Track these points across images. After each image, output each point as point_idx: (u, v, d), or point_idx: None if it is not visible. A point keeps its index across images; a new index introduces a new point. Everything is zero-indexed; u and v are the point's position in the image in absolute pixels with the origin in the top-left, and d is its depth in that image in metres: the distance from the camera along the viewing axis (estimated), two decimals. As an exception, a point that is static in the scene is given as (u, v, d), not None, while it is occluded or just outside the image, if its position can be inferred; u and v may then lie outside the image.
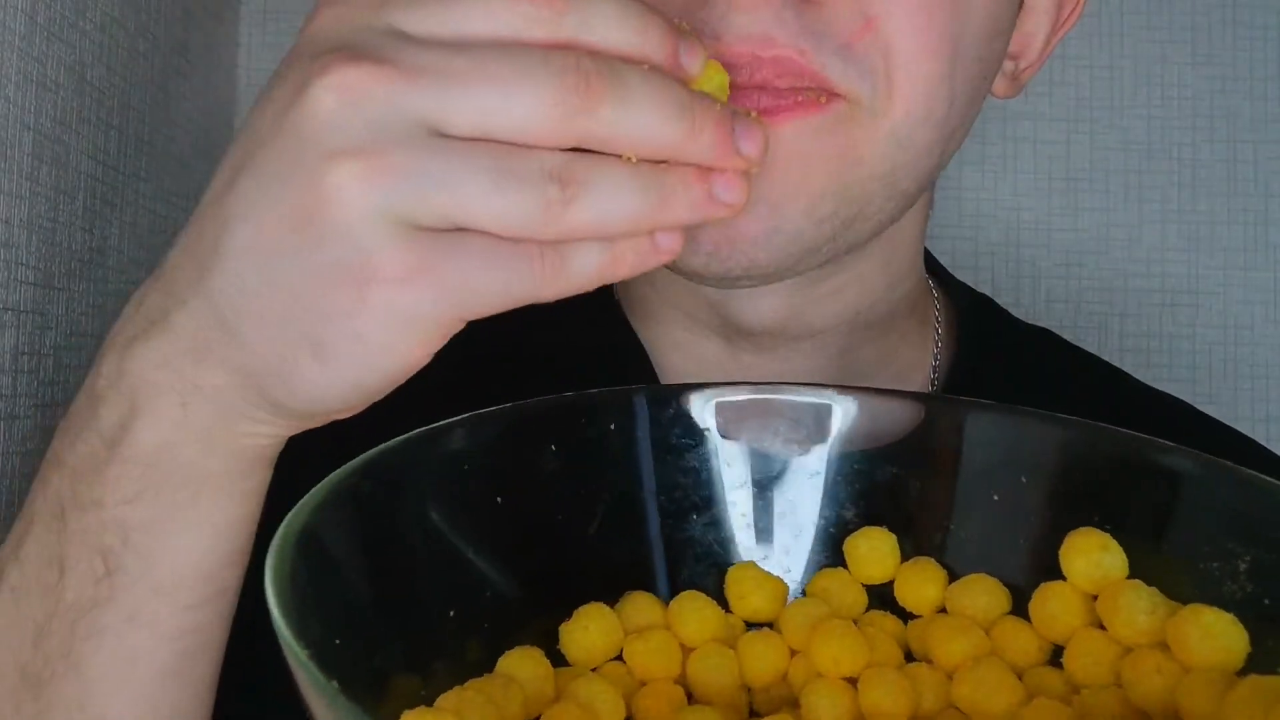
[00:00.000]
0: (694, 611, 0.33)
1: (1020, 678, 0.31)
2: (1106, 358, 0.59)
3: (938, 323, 0.54)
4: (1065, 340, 0.59)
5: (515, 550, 0.33)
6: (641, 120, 0.28)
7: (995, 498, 0.34)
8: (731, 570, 0.35)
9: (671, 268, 0.41)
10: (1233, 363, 0.85)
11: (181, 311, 0.31)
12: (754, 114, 0.31)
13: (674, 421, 0.36)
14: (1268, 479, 0.29)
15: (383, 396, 0.30)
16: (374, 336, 0.28)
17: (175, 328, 0.31)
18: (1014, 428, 0.35)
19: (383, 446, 0.30)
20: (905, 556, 0.34)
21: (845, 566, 0.35)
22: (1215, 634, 0.27)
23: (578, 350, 0.50)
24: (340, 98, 0.27)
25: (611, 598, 0.33)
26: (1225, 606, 0.28)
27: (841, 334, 0.49)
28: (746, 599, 0.34)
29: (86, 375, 0.34)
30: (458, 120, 0.27)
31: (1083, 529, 0.31)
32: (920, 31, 0.39)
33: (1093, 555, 0.31)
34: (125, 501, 0.32)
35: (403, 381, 0.29)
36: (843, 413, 0.37)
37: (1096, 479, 0.33)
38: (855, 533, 0.35)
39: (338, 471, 0.28)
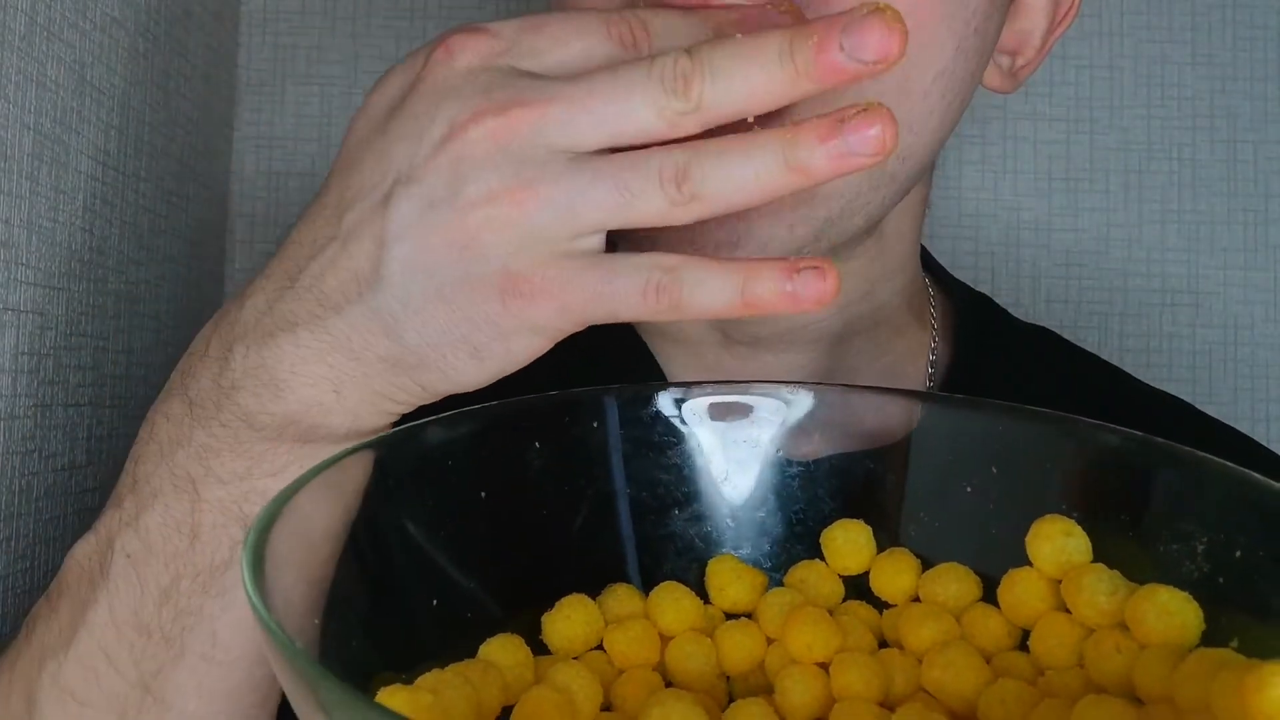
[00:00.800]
0: (672, 602, 0.34)
1: (989, 661, 0.31)
2: (1106, 358, 0.59)
3: (934, 321, 0.54)
4: (1064, 339, 0.59)
5: (498, 547, 0.34)
6: (740, 86, 0.31)
7: (968, 489, 0.35)
8: (711, 563, 0.35)
9: None
10: (1233, 363, 0.85)
11: (338, 317, 0.34)
12: (877, 5, 0.30)
13: (654, 419, 0.37)
14: (1223, 462, 0.30)
15: None
16: (516, 339, 0.33)
17: (332, 330, 0.35)
18: (982, 420, 0.36)
19: (364, 442, 0.31)
20: (881, 548, 0.35)
21: (823, 558, 0.36)
22: (1171, 611, 0.29)
23: (579, 349, 0.50)
24: (493, 143, 0.32)
25: (594, 593, 0.34)
26: (1183, 586, 0.30)
27: (836, 331, 0.49)
28: (725, 590, 0.35)
29: (195, 362, 0.38)
30: (586, 140, 0.32)
31: (1048, 516, 0.32)
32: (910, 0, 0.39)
33: (1057, 540, 0.32)
34: (271, 474, 0.36)
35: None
36: (818, 410, 0.37)
37: (1063, 468, 0.34)
38: (831, 525, 0.36)
39: (317, 465, 0.29)
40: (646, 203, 0.31)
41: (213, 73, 0.78)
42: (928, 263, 0.56)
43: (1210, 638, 0.29)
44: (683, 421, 0.37)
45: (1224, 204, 0.85)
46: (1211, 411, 0.56)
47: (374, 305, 0.34)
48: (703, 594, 0.35)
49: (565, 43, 0.33)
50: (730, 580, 0.35)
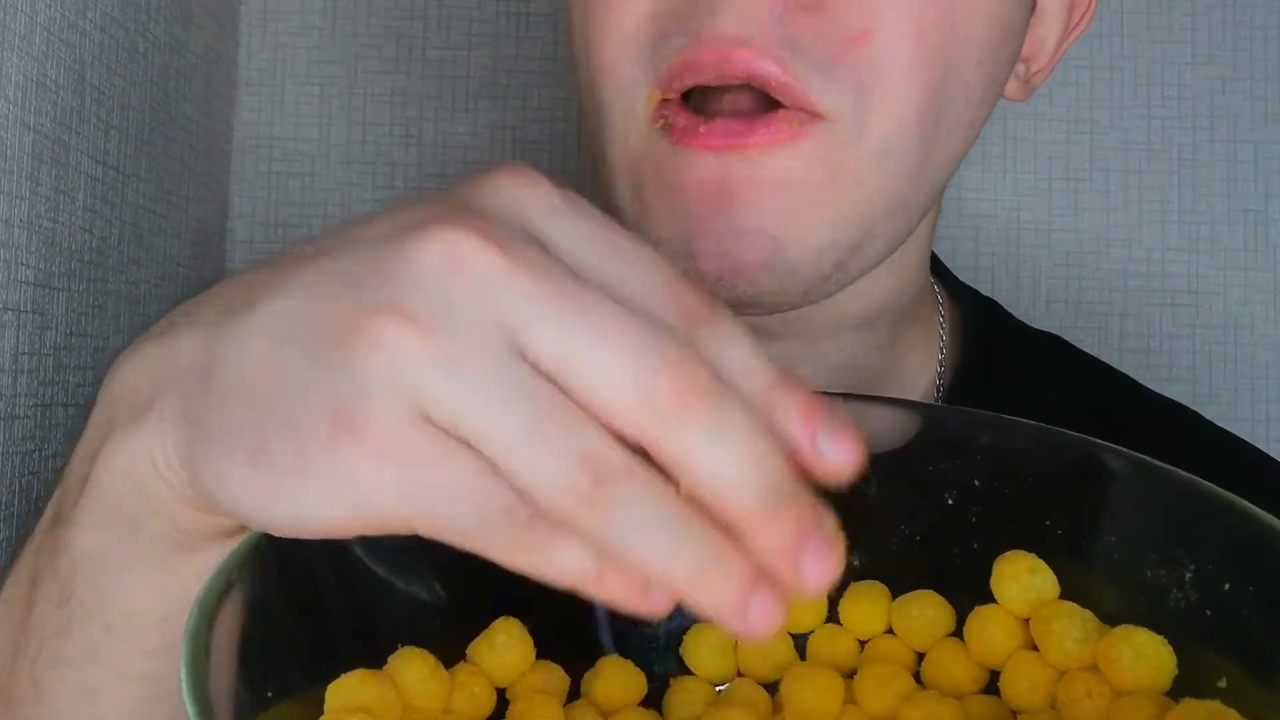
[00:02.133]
0: (614, 682, 0.33)
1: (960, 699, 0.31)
2: (1106, 358, 0.59)
3: (942, 327, 0.54)
4: (1072, 346, 0.58)
5: (464, 573, 0.33)
6: (728, 463, 0.24)
7: (949, 501, 0.34)
8: (690, 633, 0.35)
9: None
10: (1233, 363, 0.85)
11: (185, 335, 0.29)
12: (833, 536, 0.25)
13: None
14: (1219, 491, 0.29)
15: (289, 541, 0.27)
16: (314, 482, 0.25)
17: (172, 346, 0.29)
18: (966, 432, 0.35)
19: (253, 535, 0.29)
20: (861, 563, 0.35)
21: None
22: (1146, 655, 0.28)
23: None
24: (445, 259, 0.24)
25: (567, 615, 0.33)
26: (1169, 615, 0.29)
27: (848, 339, 0.49)
28: (703, 667, 0.34)
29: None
30: (541, 344, 0.24)
31: (1010, 553, 0.31)
32: (914, 43, 0.39)
33: (1023, 579, 0.31)
34: (82, 525, 0.31)
35: (313, 538, 0.26)
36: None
37: (1050, 482, 0.33)
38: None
39: (219, 568, 0.27)
40: (546, 466, 0.24)
41: (213, 73, 0.78)
42: (935, 267, 0.56)
43: (1197, 674, 0.28)
44: None
45: (1224, 204, 0.85)
46: (1211, 412, 0.56)
47: (217, 332, 0.28)
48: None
49: (615, 263, 0.26)
50: (709, 653, 0.34)
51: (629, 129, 0.41)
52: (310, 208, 0.84)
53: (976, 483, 0.34)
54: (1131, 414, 0.53)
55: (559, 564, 0.24)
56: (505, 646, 0.32)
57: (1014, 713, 0.30)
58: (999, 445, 0.34)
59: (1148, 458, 0.31)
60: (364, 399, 0.24)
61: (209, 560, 0.30)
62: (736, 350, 0.25)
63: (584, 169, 0.84)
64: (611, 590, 0.25)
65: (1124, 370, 0.58)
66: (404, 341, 0.24)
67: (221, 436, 0.26)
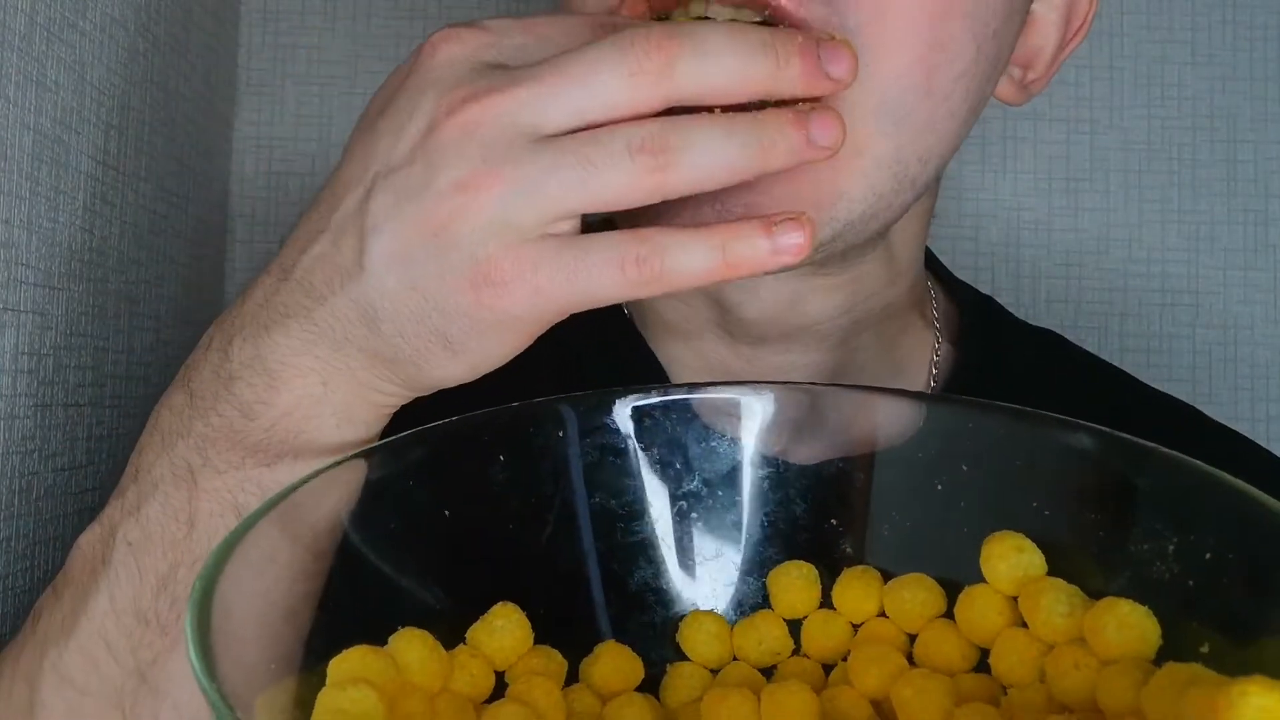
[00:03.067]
0: (612, 667, 0.33)
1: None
2: (1106, 358, 0.59)
3: (938, 324, 0.54)
4: (1068, 341, 0.58)
5: (464, 565, 0.34)
6: (723, 65, 0.31)
7: (938, 486, 0.35)
8: (686, 620, 0.35)
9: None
10: (1233, 363, 0.85)
11: (323, 308, 0.35)
12: (837, 36, 0.33)
13: (607, 429, 0.36)
14: (1195, 463, 0.30)
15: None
16: (490, 332, 0.33)
17: (318, 321, 0.35)
18: (950, 417, 0.36)
19: (315, 471, 0.31)
20: (852, 549, 0.35)
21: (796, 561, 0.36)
22: (1130, 624, 0.28)
23: (580, 348, 0.50)
24: (461, 131, 0.32)
25: (565, 604, 0.34)
26: (1153, 587, 0.30)
27: (842, 327, 0.49)
28: (698, 649, 0.34)
29: (199, 355, 0.39)
30: (553, 122, 0.32)
31: (998, 533, 0.32)
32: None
33: (1010, 558, 0.32)
34: (265, 464, 0.36)
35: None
36: (790, 410, 0.37)
37: (1034, 464, 0.34)
38: (775, 569, 0.35)
39: (271, 498, 0.29)
40: (611, 176, 0.31)
41: (213, 73, 0.78)
42: (931, 264, 0.56)
43: (1180, 642, 0.28)
44: (643, 427, 0.36)
45: (1224, 204, 0.85)
46: (1211, 412, 0.56)
47: (354, 296, 0.34)
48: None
49: (551, 42, 0.34)
50: (705, 639, 0.34)
51: None
52: (310, 208, 0.84)
53: (964, 468, 0.35)
54: (1130, 410, 0.54)
55: (684, 269, 0.32)
56: (504, 630, 0.32)
57: (1004, 688, 0.31)
58: (983, 430, 0.35)
59: (1126, 435, 0.32)
60: (473, 258, 0.32)
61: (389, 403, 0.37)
62: (715, 63, 0.32)
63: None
64: (745, 261, 0.32)
65: (1124, 370, 0.58)
66: (478, 200, 0.31)
67: (417, 355, 0.34)
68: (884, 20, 0.38)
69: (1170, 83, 0.86)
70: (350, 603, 0.30)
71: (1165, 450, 0.31)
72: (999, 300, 0.59)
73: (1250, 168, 0.85)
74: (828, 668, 0.34)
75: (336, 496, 0.31)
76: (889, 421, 0.37)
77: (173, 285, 0.71)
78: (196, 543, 0.37)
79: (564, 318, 0.33)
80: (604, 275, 0.32)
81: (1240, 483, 0.29)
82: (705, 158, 0.31)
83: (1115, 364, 0.58)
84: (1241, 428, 0.56)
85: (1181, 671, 0.26)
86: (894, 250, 0.48)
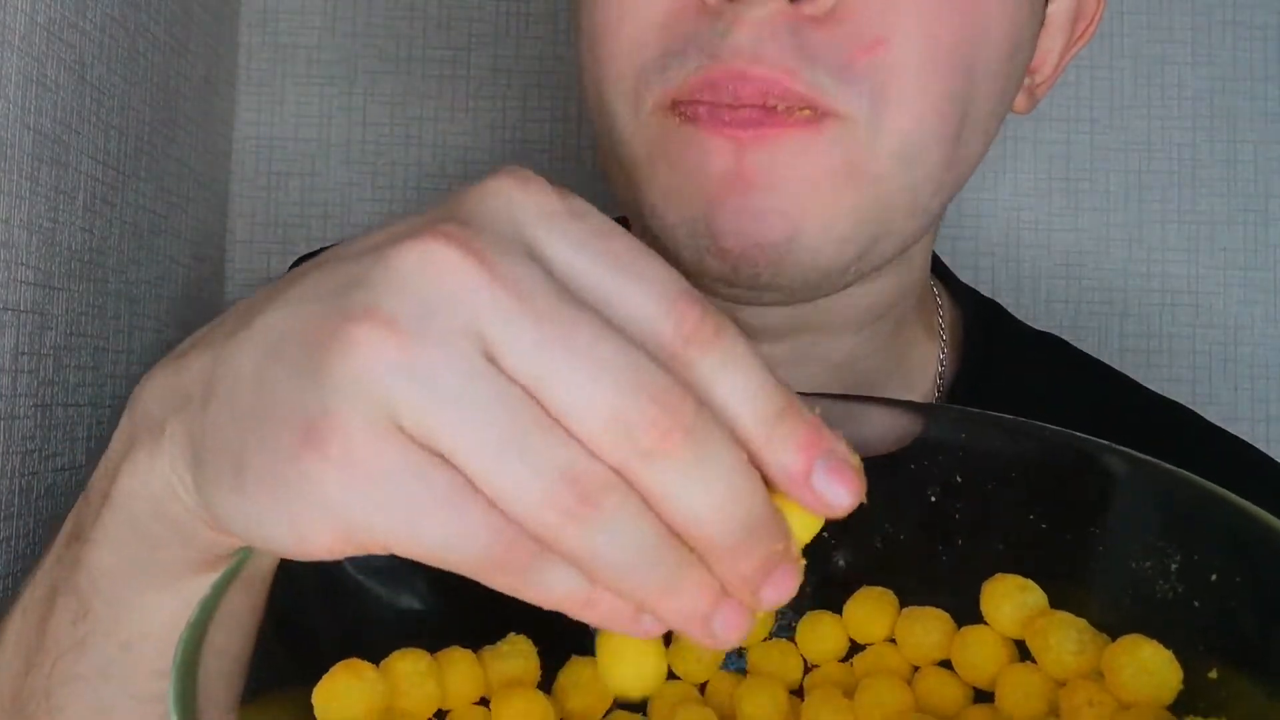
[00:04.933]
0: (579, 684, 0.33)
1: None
2: (1106, 358, 0.59)
3: (942, 328, 0.54)
4: (1072, 346, 0.58)
5: (454, 585, 0.33)
6: (704, 503, 0.23)
7: (932, 498, 0.34)
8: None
9: (697, 277, 0.41)
10: (1233, 363, 0.85)
11: (194, 356, 0.29)
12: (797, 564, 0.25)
13: None
14: (1199, 480, 0.29)
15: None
16: (286, 499, 0.24)
17: (184, 367, 0.29)
18: (948, 428, 0.35)
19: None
20: (849, 561, 0.35)
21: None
22: (1149, 670, 0.27)
23: None
24: (420, 265, 0.23)
25: (552, 624, 0.33)
26: (1157, 608, 0.29)
27: (849, 341, 0.49)
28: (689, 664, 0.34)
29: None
30: (516, 362, 0.23)
31: (999, 575, 0.31)
32: (930, 51, 0.39)
33: (1015, 597, 0.31)
34: (101, 543, 0.31)
35: (302, 561, 0.25)
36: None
37: (1029, 475, 0.33)
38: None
39: (233, 565, 0.28)
40: (527, 482, 0.23)
41: (213, 73, 0.78)
42: (936, 268, 0.56)
43: (1188, 667, 0.27)
44: None
45: (1224, 204, 0.85)
46: (1211, 412, 0.56)
47: (218, 352, 0.27)
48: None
49: (616, 269, 0.24)
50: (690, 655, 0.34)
51: (643, 122, 0.41)
52: (310, 208, 0.84)
53: (959, 479, 0.34)
54: (1131, 414, 0.54)
55: (548, 586, 0.24)
56: (510, 656, 0.32)
57: None
58: (978, 440, 0.34)
59: (1129, 449, 0.31)
60: (331, 408, 0.23)
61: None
62: (738, 373, 0.24)
63: (584, 169, 0.84)
64: (601, 613, 0.24)
65: (1124, 370, 0.58)
66: (374, 346, 0.23)
67: (215, 456, 0.26)
68: (893, 83, 0.38)
69: (1170, 83, 0.86)
70: (338, 629, 0.30)
71: (1170, 467, 0.30)
72: (999, 300, 0.59)
73: (1250, 168, 0.85)
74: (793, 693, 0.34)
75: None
76: (880, 431, 0.37)
77: (173, 285, 0.71)
78: (50, 625, 0.33)
79: (379, 554, 0.24)
80: (469, 536, 0.23)
81: (1248, 504, 0.28)
82: (614, 546, 0.23)
83: (1115, 364, 0.58)
84: (1241, 428, 0.56)
85: None
86: (906, 264, 0.48)
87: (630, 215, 0.44)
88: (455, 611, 0.32)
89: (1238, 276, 0.85)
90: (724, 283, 0.41)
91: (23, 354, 0.52)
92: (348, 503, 0.23)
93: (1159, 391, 0.57)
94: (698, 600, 0.24)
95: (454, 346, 0.23)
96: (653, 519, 0.23)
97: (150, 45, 0.65)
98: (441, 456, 0.23)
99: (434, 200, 0.28)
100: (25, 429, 0.52)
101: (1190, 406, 0.56)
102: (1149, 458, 0.31)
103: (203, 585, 0.29)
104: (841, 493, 0.25)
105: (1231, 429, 0.55)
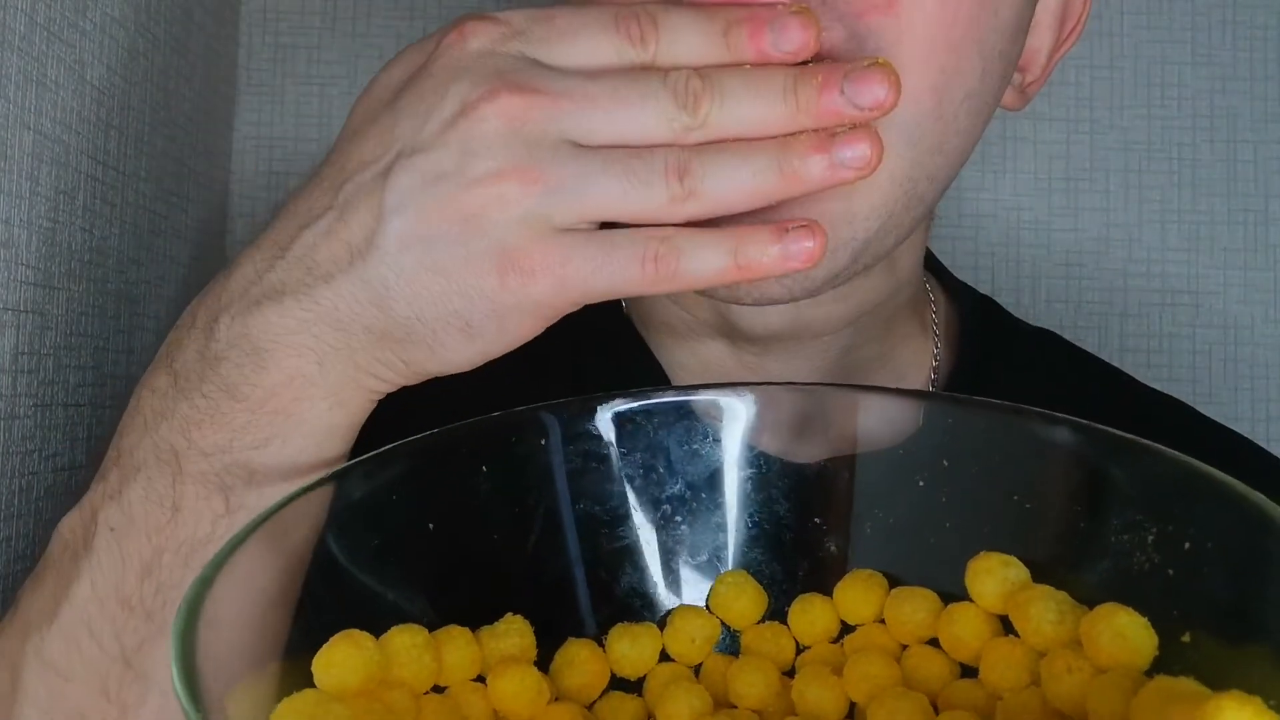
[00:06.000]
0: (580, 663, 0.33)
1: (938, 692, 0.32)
2: (1106, 358, 0.59)
3: (935, 323, 0.54)
4: (1067, 342, 0.59)
5: (450, 577, 0.34)
6: (744, 113, 0.33)
7: (920, 483, 0.35)
8: (675, 612, 0.35)
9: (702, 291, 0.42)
10: (1233, 363, 0.85)
11: (327, 287, 0.35)
12: (877, 60, 0.34)
13: (589, 435, 0.36)
14: (1169, 451, 0.30)
15: None
16: (510, 316, 0.34)
17: (319, 299, 0.35)
18: (929, 413, 0.36)
19: (302, 488, 0.31)
20: (840, 547, 0.36)
21: (778, 560, 0.36)
22: (1126, 635, 0.28)
23: (582, 350, 0.50)
24: (505, 123, 0.33)
25: (552, 611, 0.34)
26: (1134, 578, 0.30)
27: (844, 335, 0.49)
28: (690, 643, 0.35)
29: (182, 334, 0.38)
30: (595, 137, 0.33)
31: (983, 553, 0.32)
32: (937, 22, 0.39)
33: (998, 573, 0.32)
34: (253, 447, 0.36)
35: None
36: (773, 411, 0.37)
37: (1013, 458, 0.34)
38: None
39: (255, 519, 0.29)
40: (649, 193, 0.33)
41: (213, 73, 0.78)
42: (931, 265, 0.56)
43: (1162, 632, 0.29)
44: (624, 432, 0.36)
45: (1224, 204, 0.85)
46: (1211, 411, 0.56)
47: (365, 275, 0.34)
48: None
49: (574, 36, 0.34)
50: (693, 631, 0.35)
51: None
52: (310, 208, 0.84)
53: (945, 464, 0.35)
54: (1127, 409, 0.54)
55: (697, 269, 0.33)
56: (507, 635, 0.32)
57: (997, 696, 0.31)
58: (963, 426, 0.35)
59: (1103, 426, 0.32)
60: (504, 245, 0.33)
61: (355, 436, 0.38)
62: (682, 42, 0.34)
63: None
64: (758, 265, 0.33)
65: (1124, 370, 0.58)
66: (514, 189, 0.32)
67: (432, 337, 0.34)
68: (901, 46, 0.38)
69: (1170, 83, 0.86)
70: (335, 619, 0.30)
71: (1141, 440, 0.31)
72: (999, 300, 0.59)
73: (1250, 168, 0.85)
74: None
75: (318, 514, 0.31)
76: (873, 420, 0.37)
77: (173, 285, 0.71)
78: (181, 528, 0.36)
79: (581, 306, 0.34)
80: (626, 270, 0.33)
81: (1217, 472, 0.29)
82: (726, 185, 0.33)
83: (1115, 364, 0.58)
84: (1241, 428, 0.57)
85: (1169, 685, 0.26)
86: (897, 260, 0.48)
87: None
88: (449, 606, 0.33)
89: (1238, 276, 0.85)
90: (708, 291, 0.42)
91: (23, 354, 0.52)
92: (544, 292, 0.33)
93: (1159, 390, 0.57)
94: (808, 159, 0.33)
95: (560, 158, 0.33)
96: (738, 148, 0.33)
97: (150, 45, 0.65)
98: (597, 222, 0.34)
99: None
100: (25, 429, 0.52)
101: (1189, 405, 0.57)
102: (1125, 434, 0.31)
103: (341, 450, 0.37)
104: (877, 88, 0.33)
105: (1231, 429, 0.55)
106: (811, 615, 0.35)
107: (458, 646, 0.31)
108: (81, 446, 0.58)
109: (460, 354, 0.35)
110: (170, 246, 0.70)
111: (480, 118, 0.33)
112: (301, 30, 0.84)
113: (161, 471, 0.36)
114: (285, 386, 0.36)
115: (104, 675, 0.37)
